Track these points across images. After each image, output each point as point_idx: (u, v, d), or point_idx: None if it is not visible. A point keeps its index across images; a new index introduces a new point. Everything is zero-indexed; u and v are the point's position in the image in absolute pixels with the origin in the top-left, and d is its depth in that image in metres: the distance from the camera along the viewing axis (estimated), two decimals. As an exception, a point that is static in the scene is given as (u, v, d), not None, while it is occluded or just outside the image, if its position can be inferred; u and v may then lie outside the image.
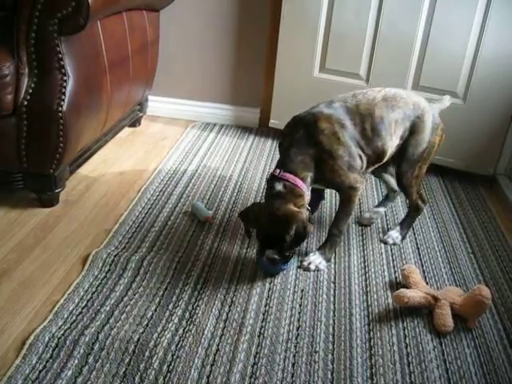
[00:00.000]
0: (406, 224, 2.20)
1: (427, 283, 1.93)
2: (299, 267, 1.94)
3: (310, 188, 1.91)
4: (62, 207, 2.23)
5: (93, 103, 2.25)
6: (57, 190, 2.21)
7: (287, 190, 1.85)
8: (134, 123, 3.12)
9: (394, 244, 2.16)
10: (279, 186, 1.86)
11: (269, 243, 1.85)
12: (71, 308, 1.65)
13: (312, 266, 1.94)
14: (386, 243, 2.17)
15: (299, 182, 1.86)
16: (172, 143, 2.98)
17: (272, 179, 1.89)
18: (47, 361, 1.45)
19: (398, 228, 2.20)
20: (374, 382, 1.49)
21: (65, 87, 1.99)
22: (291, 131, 1.96)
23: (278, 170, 1.89)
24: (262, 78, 3.20)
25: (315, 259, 1.95)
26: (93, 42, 2.19)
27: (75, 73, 2.03)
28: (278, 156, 2.93)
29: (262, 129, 3.29)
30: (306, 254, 2.02)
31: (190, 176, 2.60)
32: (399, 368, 1.55)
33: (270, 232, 1.83)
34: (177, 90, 3.34)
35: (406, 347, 1.63)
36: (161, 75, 3.18)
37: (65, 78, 1.98)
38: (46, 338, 1.51)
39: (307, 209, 1.89)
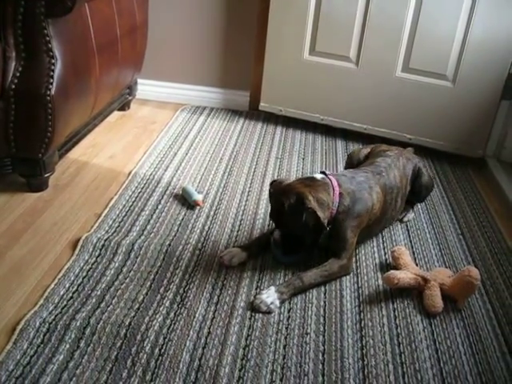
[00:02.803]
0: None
1: (417, 264, 1.94)
2: (251, 303, 1.69)
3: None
4: (51, 192, 2.22)
5: (81, 86, 2.23)
6: (46, 175, 2.19)
7: (321, 182, 1.85)
8: (124, 107, 3.10)
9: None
10: (317, 175, 1.90)
11: (273, 220, 1.88)
12: (62, 293, 1.65)
13: (263, 306, 1.66)
14: (401, 221, 2.24)
15: (336, 188, 1.86)
16: (162, 127, 2.96)
17: (319, 173, 1.94)
18: (38, 346, 1.45)
19: (410, 210, 2.28)
20: (365, 362, 1.51)
21: (53, 70, 1.97)
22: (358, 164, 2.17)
23: (329, 171, 1.96)
24: (252, 61, 3.18)
25: (267, 298, 1.67)
26: (81, 25, 2.17)
27: (63, 56, 2.00)
28: (268, 139, 2.94)
29: (252, 112, 3.28)
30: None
31: (180, 159, 2.59)
32: (390, 349, 1.57)
33: (278, 210, 1.83)
34: (166, 74, 3.31)
35: (397, 328, 1.65)
36: (150, 58, 3.15)
37: (53, 61, 1.96)
38: (37, 323, 1.51)
39: (329, 215, 1.82)
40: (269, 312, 1.65)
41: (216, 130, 3.00)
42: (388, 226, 2.15)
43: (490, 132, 2.82)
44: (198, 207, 2.19)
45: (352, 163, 2.27)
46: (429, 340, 1.61)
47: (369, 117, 2.95)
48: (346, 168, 2.33)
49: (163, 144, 2.74)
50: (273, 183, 1.93)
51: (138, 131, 2.90)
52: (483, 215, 2.36)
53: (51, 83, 1.98)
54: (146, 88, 3.30)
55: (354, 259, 1.93)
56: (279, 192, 1.84)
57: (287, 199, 1.78)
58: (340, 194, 1.85)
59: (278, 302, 1.68)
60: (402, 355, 1.55)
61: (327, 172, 1.93)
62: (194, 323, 1.58)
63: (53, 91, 1.98)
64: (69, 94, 2.11)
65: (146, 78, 3.26)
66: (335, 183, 1.87)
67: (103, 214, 2.07)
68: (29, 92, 1.98)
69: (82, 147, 2.61)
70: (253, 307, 1.67)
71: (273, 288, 1.71)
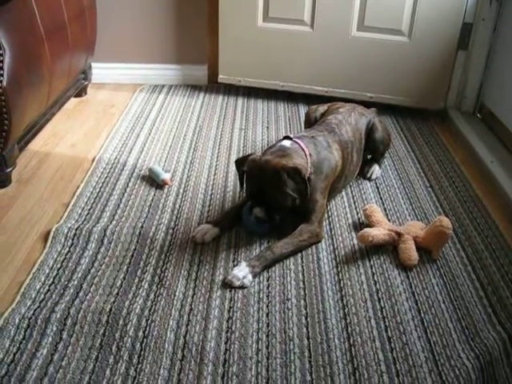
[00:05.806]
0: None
1: (389, 220, 1.97)
2: (224, 280, 1.67)
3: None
4: (15, 187, 2.17)
5: (34, 75, 2.17)
6: (7, 170, 2.14)
7: (292, 149, 1.84)
8: (80, 92, 3.03)
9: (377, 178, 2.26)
10: (285, 142, 1.88)
11: (258, 200, 1.80)
12: (38, 287, 1.62)
13: (235, 281, 1.64)
14: (370, 179, 2.24)
15: (307, 151, 1.86)
16: (121, 109, 2.91)
17: (283, 138, 1.92)
18: (20, 342, 1.43)
19: (377, 167, 2.29)
20: (348, 321, 1.53)
21: (1, 61, 1.91)
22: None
23: (292, 135, 1.93)
24: (207, 33, 3.13)
25: (239, 272, 1.66)
26: (26, 12, 2.10)
27: (11, 45, 1.94)
28: (230, 111, 2.91)
29: (212, 85, 3.24)
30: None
31: (143, 140, 2.55)
32: (370, 305, 1.59)
33: (261, 187, 1.78)
34: (121, 55, 3.24)
35: (375, 284, 1.67)
36: (103, 40, 3.08)
37: (0, 51, 1.90)
38: (17, 320, 1.49)
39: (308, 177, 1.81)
40: (242, 287, 1.64)
41: (177, 107, 2.96)
42: (349, 182, 2.16)
43: (450, 83, 2.84)
44: (167, 186, 2.17)
45: (310, 122, 2.28)
46: (408, 292, 1.64)
47: (329, 79, 2.94)
48: (305, 127, 2.33)
49: (125, 126, 2.69)
50: (239, 161, 1.88)
51: (98, 116, 2.84)
52: (449, 166, 2.39)
53: (1, 75, 1.91)
54: (101, 71, 3.23)
55: (324, 223, 1.94)
56: (263, 169, 1.77)
57: (280, 175, 1.73)
58: (309, 155, 1.87)
59: (250, 276, 1.66)
60: (383, 310, 1.57)
61: (291, 136, 1.92)
62: (174, 302, 1.58)
63: (4, 83, 1.92)
64: (21, 84, 2.05)
65: (100, 61, 3.18)
66: (303, 146, 1.87)
67: (71, 204, 2.04)
68: (-21, 86, 1.92)
69: (41, 138, 2.55)
70: (226, 283, 1.65)
71: (244, 263, 1.70)
